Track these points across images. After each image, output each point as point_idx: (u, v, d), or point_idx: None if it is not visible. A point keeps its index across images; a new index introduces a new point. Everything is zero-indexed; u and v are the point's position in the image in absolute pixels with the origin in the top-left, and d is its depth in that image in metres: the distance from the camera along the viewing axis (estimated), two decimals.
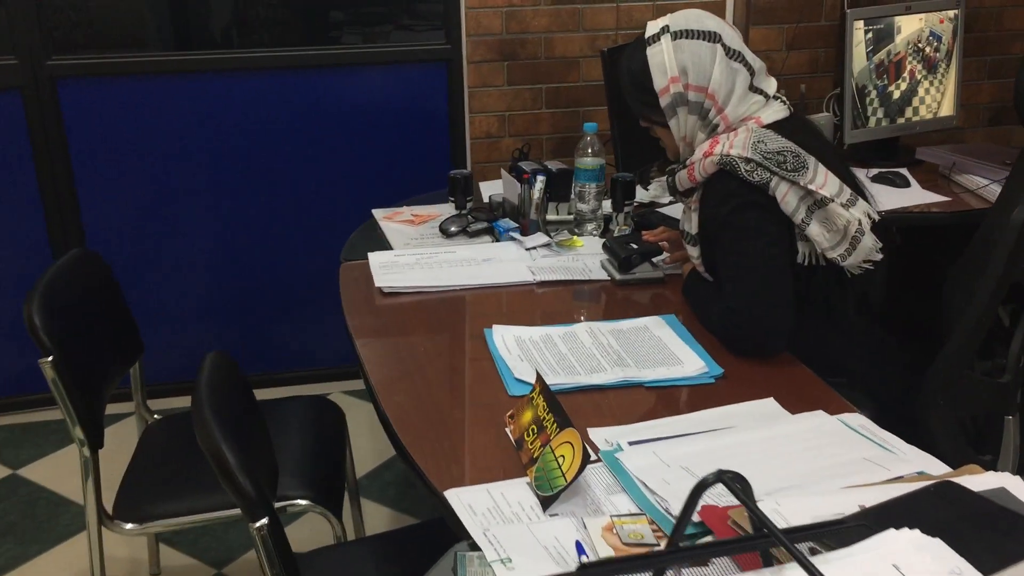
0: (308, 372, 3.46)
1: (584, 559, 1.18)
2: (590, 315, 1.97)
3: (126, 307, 2.27)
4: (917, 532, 0.92)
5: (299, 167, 3.26)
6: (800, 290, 1.80)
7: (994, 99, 3.66)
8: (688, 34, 1.83)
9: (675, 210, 2.56)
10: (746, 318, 1.75)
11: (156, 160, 3.15)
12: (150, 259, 3.24)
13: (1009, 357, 1.96)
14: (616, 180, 2.40)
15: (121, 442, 2.48)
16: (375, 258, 2.24)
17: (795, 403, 1.58)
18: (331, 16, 3.23)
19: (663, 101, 1.86)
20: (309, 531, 2.51)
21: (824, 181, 1.75)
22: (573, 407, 1.47)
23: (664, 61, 1.84)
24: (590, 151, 2.37)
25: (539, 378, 1.52)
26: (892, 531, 0.92)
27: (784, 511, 1.20)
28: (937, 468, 1.35)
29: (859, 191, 1.82)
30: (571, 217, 2.46)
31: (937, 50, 3.02)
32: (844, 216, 1.74)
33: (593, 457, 1.41)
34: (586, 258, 2.25)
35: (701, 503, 0.93)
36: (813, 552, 0.98)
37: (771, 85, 1.90)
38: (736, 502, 1.21)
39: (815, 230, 1.75)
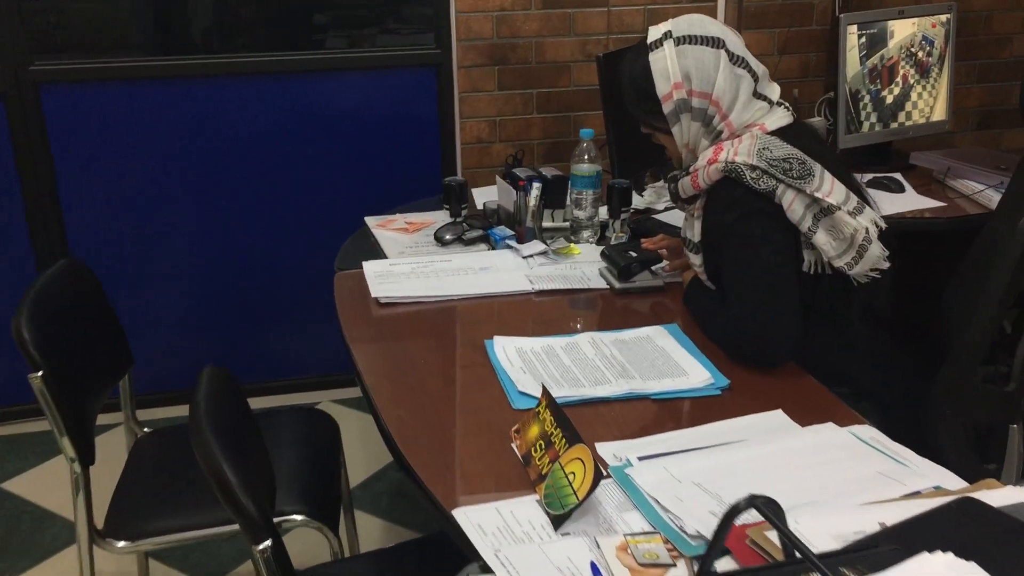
0: (297, 381, 3.41)
1: None
2: (590, 324, 1.94)
3: (116, 319, 2.22)
4: (951, 555, 0.90)
5: (287, 173, 3.22)
6: (806, 298, 1.78)
7: (983, 103, 3.66)
8: (691, 39, 1.81)
9: (671, 216, 2.53)
10: (751, 326, 1.72)
11: (141, 166, 3.10)
12: (134, 267, 3.19)
13: (1014, 366, 1.95)
14: (612, 187, 2.37)
15: (109, 454, 2.42)
16: (370, 267, 2.20)
17: (803, 415, 1.56)
18: (319, 20, 3.19)
19: (666, 108, 1.84)
20: (302, 545, 2.45)
21: (831, 188, 1.73)
22: (578, 420, 1.44)
23: (667, 67, 1.81)
24: (587, 157, 2.35)
25: (545, 392, 1.49)
26: (926, 555, 0.90)
27: (803, 529, 1.17)
28: (953, 482, 1.33)
29: (864, 199, 1.80)
30: (567, 224, 2.43)
31: (930, 54, 3.02)
32: (851, 224, 1.71)
33: (604, 474, 1.38)
34: (584, 266, 2.22)
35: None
36: None
37: (774, 91, 1.88)
38: (753, 520, 1.18)
39: (822, 238, 1.73)
